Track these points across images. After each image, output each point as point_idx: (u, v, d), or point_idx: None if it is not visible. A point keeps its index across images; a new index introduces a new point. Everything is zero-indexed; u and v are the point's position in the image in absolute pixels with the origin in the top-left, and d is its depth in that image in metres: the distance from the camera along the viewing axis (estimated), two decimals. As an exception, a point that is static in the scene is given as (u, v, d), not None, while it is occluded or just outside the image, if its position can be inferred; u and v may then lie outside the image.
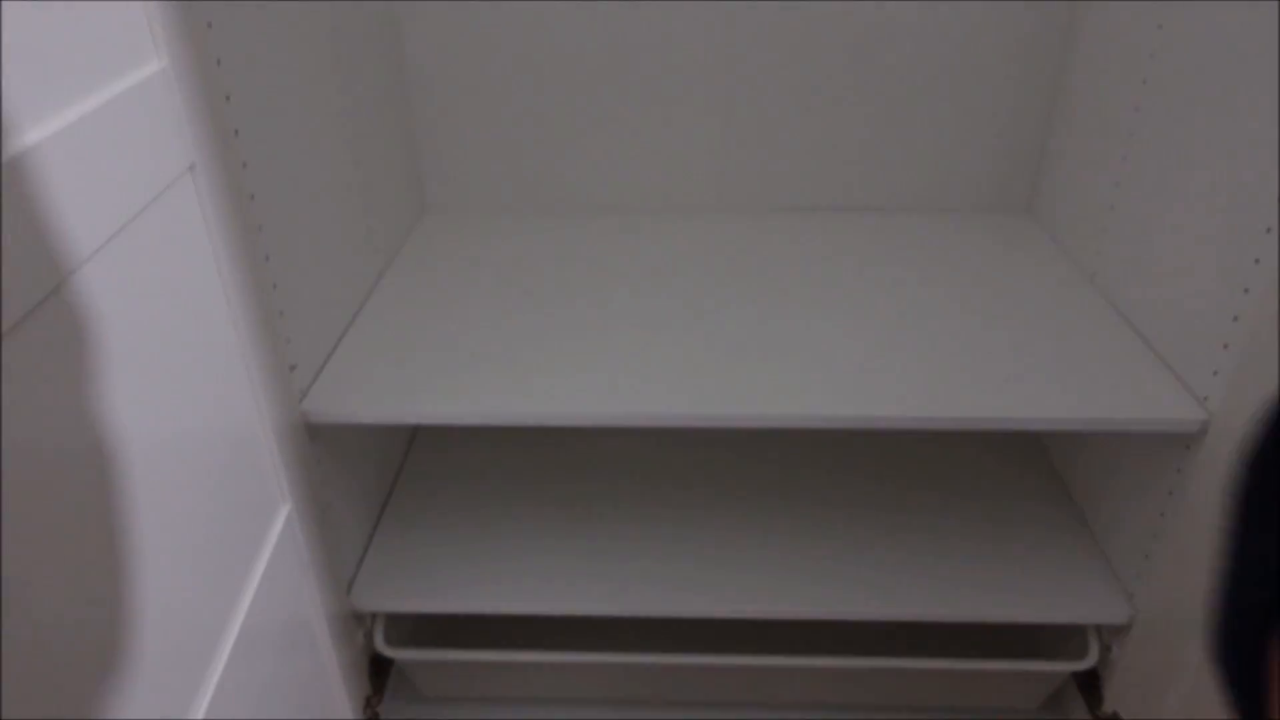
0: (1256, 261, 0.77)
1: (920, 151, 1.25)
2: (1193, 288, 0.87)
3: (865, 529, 1.09)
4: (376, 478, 1.13)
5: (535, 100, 1.22)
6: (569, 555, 1.06)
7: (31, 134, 0.48)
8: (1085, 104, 1.11)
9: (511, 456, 1.23)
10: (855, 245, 1.18)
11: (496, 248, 1.19)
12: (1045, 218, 1.23)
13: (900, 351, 0.94)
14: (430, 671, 1.09)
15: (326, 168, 0.94)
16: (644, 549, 1.06)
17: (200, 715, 0.64)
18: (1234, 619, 0.38)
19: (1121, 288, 1.01)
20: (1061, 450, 1.18)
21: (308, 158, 0.89)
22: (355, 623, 1.02)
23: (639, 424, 0.86)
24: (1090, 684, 1.05)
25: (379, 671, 1.09)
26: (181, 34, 0.63)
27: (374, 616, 1.05)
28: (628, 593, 1.01)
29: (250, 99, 0.75)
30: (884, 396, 0.87)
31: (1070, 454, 1.15)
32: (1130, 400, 0.86)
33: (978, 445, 1.24)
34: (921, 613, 0.98)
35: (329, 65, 0.94)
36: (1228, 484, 0.38)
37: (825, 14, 1.15)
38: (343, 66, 0.98)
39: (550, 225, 1.25)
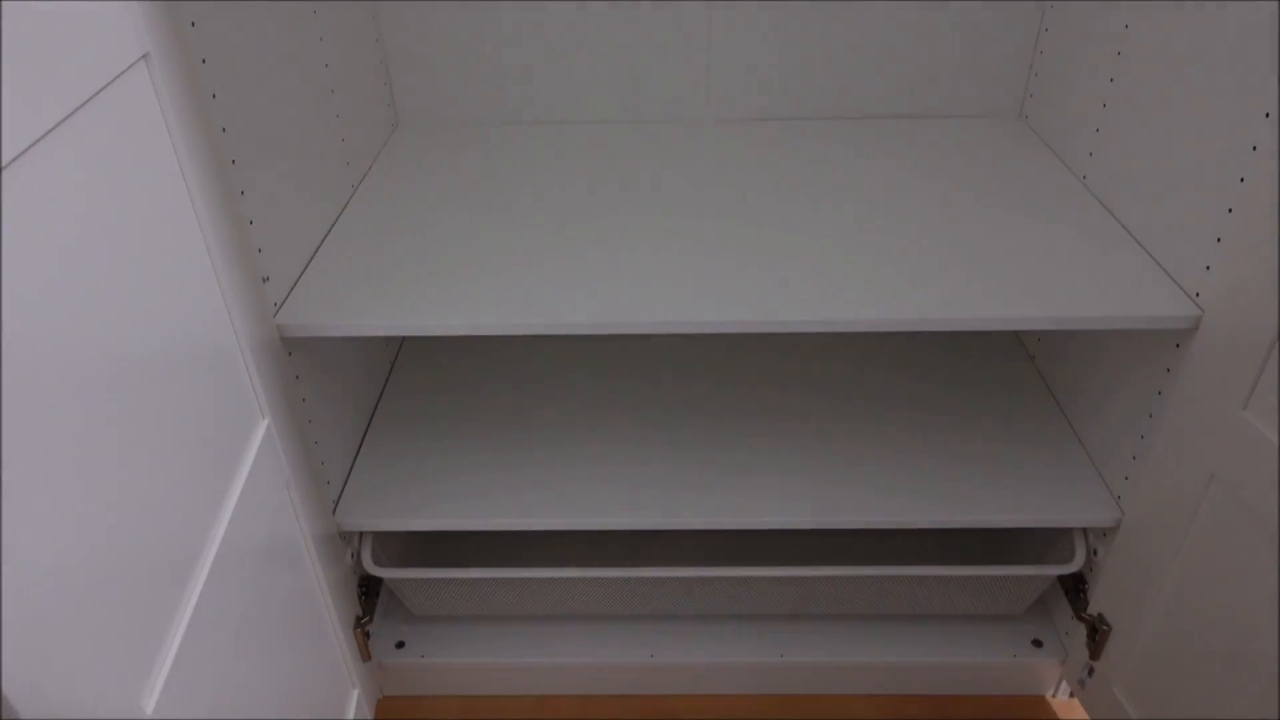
0: (1254, 149, 0.75)
1: (913, 58, 1.21)
2: (1185, 180, 0.85)
3: (853, 439, 1.08)
4: (359, 396, 1.11)
5: (505, 12, 1.18)
6: (556, 470, 1.05)
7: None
8: (1077, 6, 1.07)
9: (497, 372, 1.21)
10: (845, 152, 1.15)
11: (470, 160, 1.15)
12: (1038, 122, 1.20)
13: (891, 255, 0.92)
14: (419, 590, 1.09)
15: (294, 78, 0.90)
16: (628, 462, 1.06)
17: (184, 625, 0.63)
18: None
19: (1113, 188, 0.99)
20: (1047, 355, 1.18)
21: (273, 65, 0.85)
22: (342, 542, 1.01)
23: (619, 330, 0.84)
24: (1076, 588, 1.06)
25: (369, 592, 1.08)
26: (127, -90, 0.59)
27: (360, 536, 1.04)
28: (614, 506, 1.00)
29: (207, -10, 0.71)
30: (873, 298, 0.85)
31: (1056, 358, 1.15)
32: (1121, 298, 0.84)
33: (962, 351, 1.24)
34: (911, 520, 0.98)
35: (291, -36, 0.90)
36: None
37: (811, -90, 1.10)
38: (306, -34, 0.93)
39: (523, 137, 1.22)
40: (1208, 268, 0.81)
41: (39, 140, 0.50)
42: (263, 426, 0.80)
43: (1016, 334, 1.28)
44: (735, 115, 1.26)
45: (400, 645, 1.13)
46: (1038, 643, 1.12)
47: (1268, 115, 0.73)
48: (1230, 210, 0.78)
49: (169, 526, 0.63)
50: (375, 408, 1.16)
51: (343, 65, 1.05)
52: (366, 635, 1.05)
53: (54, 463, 0.50)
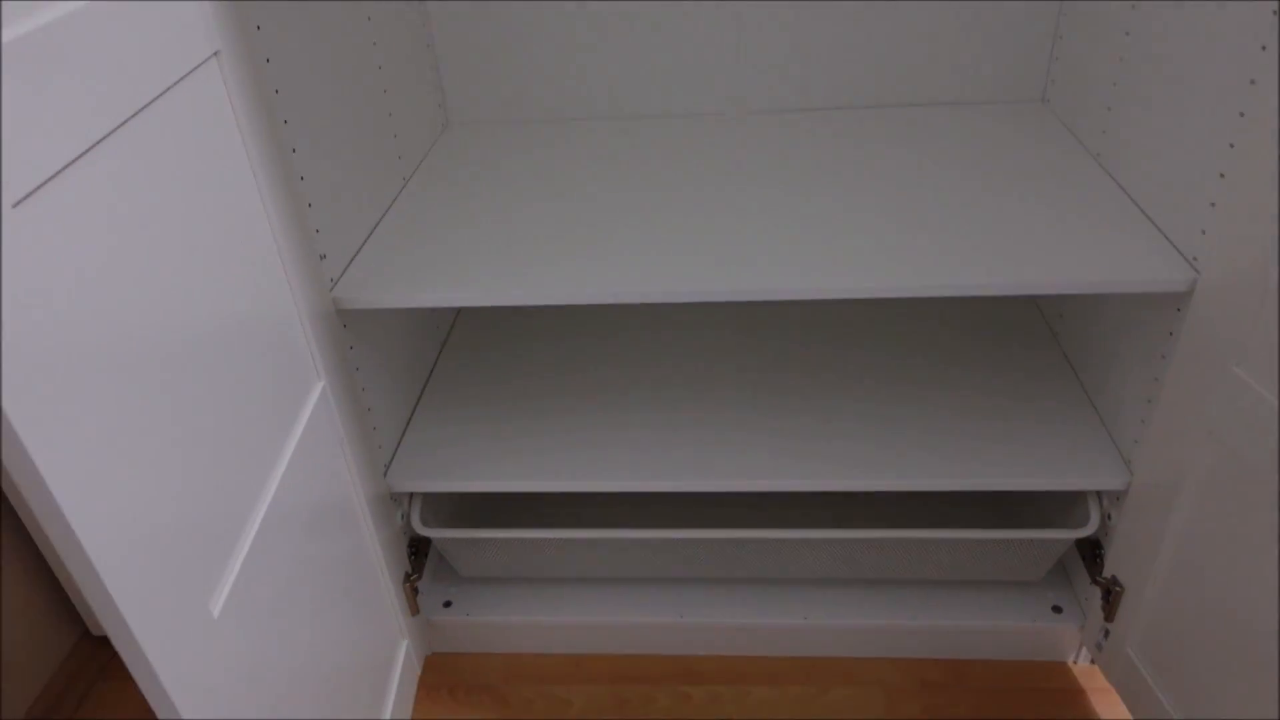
0: (1241, 115, 0.78)
1: (937, 47, 1.26)
2: (1182, 149, 0.88)
3: (877, 405, 1.13)
4: (412, 368, 1.20)
5: (552, 12, 1.26)
6: (596, 435, 1.12)
7: (61, 8, 0.53)
8: (1093, -14, 1.11)
9: (546, 344, 1.30)
10: (871, 139, 1.20)
11: (516, 155, 1.24)
12: (1059, 106, 1.23)
13: (912, 227, 0.97)
14: (465, 551, 1.17)
15: (349, 78, 0.99)
16: (661, 428, 1.12)
17: (236, 570, 0.71)
18: None
19: (1122, 162, 1.02)
20: (1064, 324, 1.21)
21: (330, 65, 0.94)
22: (393, 504, 1.10)
23: (658, 299, 0.90)
24: (1093, 553, 1.09)
25: (418, 552, 1.17)
26: (200, -73, 0.68)
27: (410, 497, 1.13)
28: (649, 470, 1.07)
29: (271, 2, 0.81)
30: (894, 267, 0.90)
31: (1072, 327, 1.18)
32: (1122, 264, 0.88)
33: (982, 322, 1.29)
34: (930, 483, 1.02)
35: (345, -27, 0.99)
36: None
37: (830, -93, 1.16)
38: (359, -25, 1.02)
39: (568, 133, 1.30)
40: (1203, 232, 0.84)
41: (127, 121, 0.59)
42: (318, 388, 0.89)
43: (1036, 305, 1.32)
44: (766, 107, 1.32)
45: (448, 604, 1.21)
46: (1057, 609, 1.14)
47: (1253, 82, 0.77)
48: (1222, 175, 0.81)
49: (233, 472, 0.72)
50: (428, 380, 1.25)
51: (395, 67, 1.14)
52: (415, 590, 1.13)
53: (137, 413, 0.59)
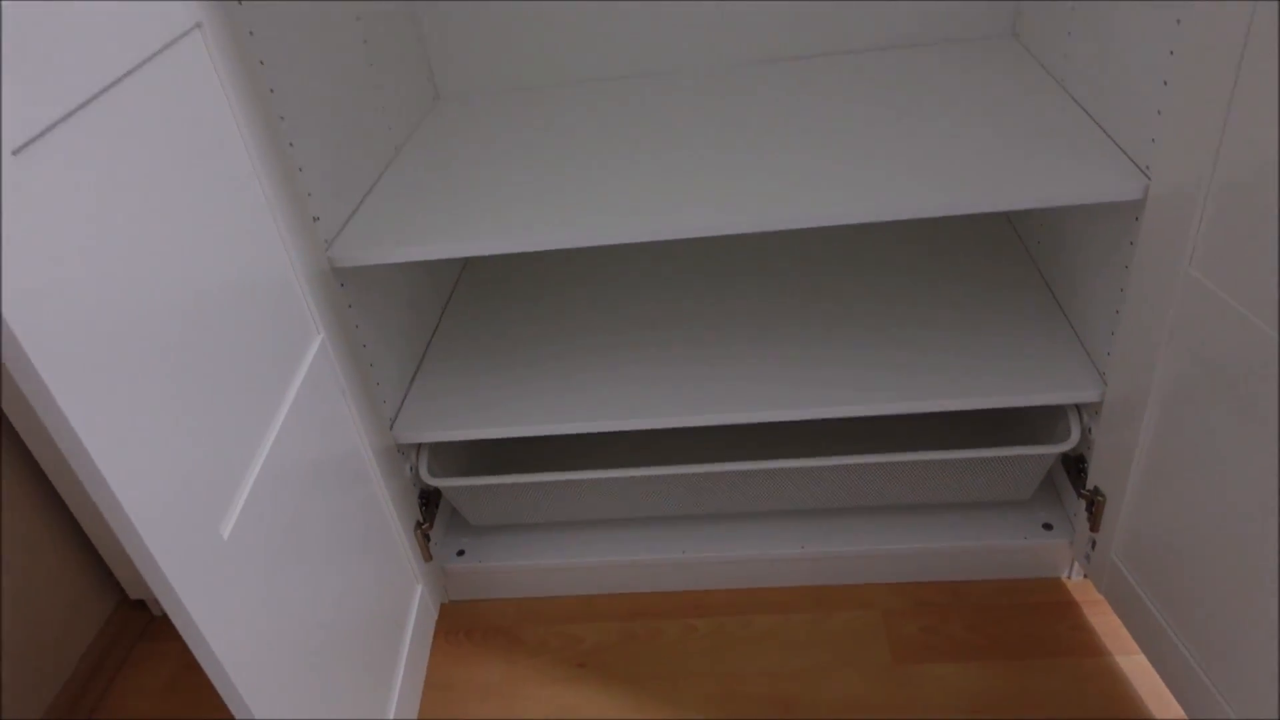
0: (1178, 22, 0.81)
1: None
2: (1128, 61, 0.91)
3: (859, 329, 1.17)
4: (414, 327, 1.25)
5: (526, -22, 1.30)
6: (595, 377, 1.17)
7: (53, -26, 0.59)
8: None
9: (548, 296, 1.36)
10: (849, 81, 1.24)
11: (509, 120, 1.28)
12: (1028, 39, 1.26)
13: (887, 156, 1.00)
14: (474, 500, 1.22)
15: (335, 49, 1.04)
16: (649, 365, 1.17)
17: (244, 498, 0.77)
18: None
19: (1082, 83, 1.05)
20: (1038, 242, 1.25)
21: (314, 37, 0.99)
22: (401, 456, 1.16)
23: (655, 237, 0.95)
24: (1078, 468, 1.12)
25: (429, 503, 1.23)
26: (175, -95, 0.74)
27: (418, 449, 1.19)
28: (641, 408, 1.11)
29: (247, -29, 0.86)
30: (869, 193, 0.94)
31: (1046, 245, 1.22)
32: (1081, 177, 0.91)
33: (960, 244, 1.34)
34: (914, 405, 1.06)
35: (323, -50, 1.04)
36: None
37: None
38: (337, -48, 1.07)
39: (560, 97, 1.34)
40: (1153, 140, 0.87)
41: (114, 85, 0.64)
42: (317, 341, 0.94)
43: (1012, 225, 1.36)
44: (746, 59, 1.36)
45: (461, 553, 1.27)
46: (1048, 526, 1.18)
47: (1188, -12, 0.79)
48: (1166, 83, 0.84)
49: (237, 413, 0.77)
50: (432, 337, 1.30)
51: (380, 40, 1.19)
52: (427, 537, 1.19)
53: (147, 359, 0.65)
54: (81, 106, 0.60)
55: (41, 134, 0.57)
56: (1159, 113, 0.85)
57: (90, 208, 0.61)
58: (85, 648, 1.24)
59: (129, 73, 0.66)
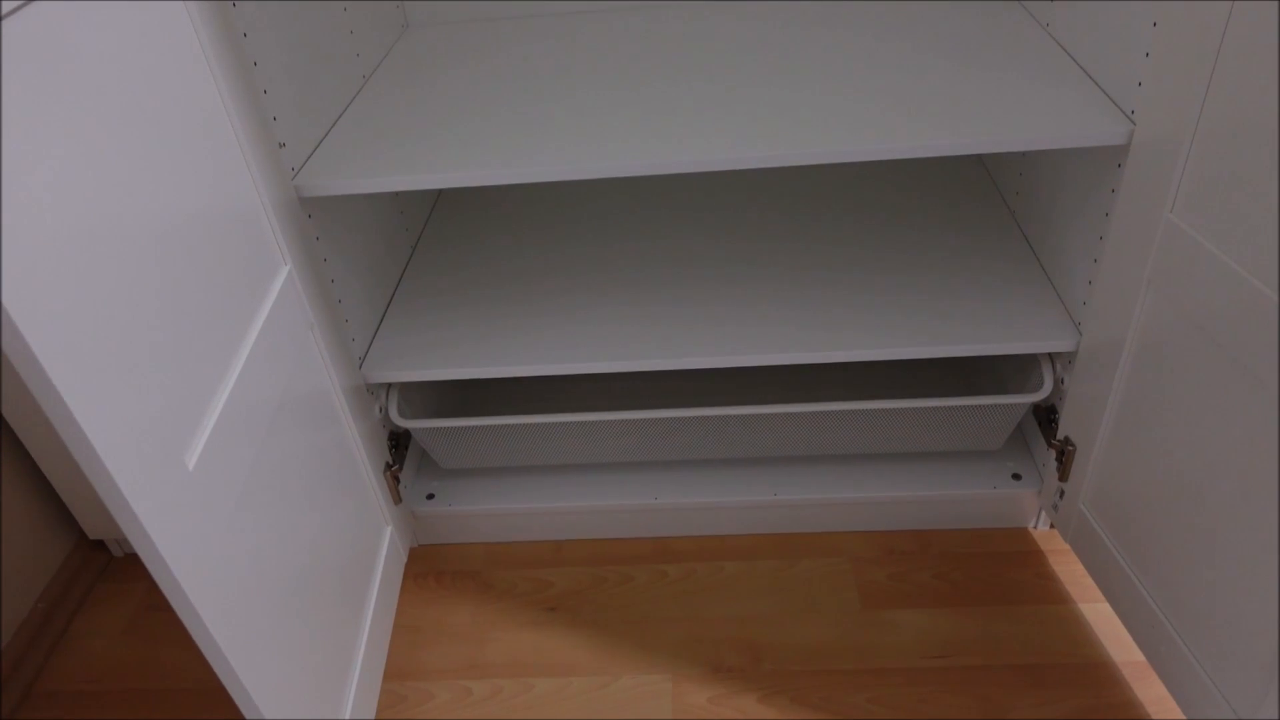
0: (1172, -40, 0.79)
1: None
2: (1116, 4, 0.90)
3: (835, 276, 1.16)
4: (385, 262, 1.22)
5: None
6: (564, 319, 1.15)
7: None
8: None
9: (520, 234, 1.33)
10: (834, 25, 1.21)
11: (481, 50, 1.24)
12: (1014, -14, 1.24)
13: (869, 98, 0.98)
14: (444, 442, 1.20)
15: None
16: (628, 311, 1.15)
17: (210, 429, 0.74)
18: None
19: (1069, 29, 1.04)
20: (1015, 190, 1.25)
21: (278, -50, 0.95)
22: (370, 396, 1.13)
23: (625, 173, 0.92)
24: (1049, 419, 1.13)
25: (399, 445, 1.21)
26: None
27: (388, 390, 1.16)
28: (611, 350, 1.10)
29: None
30: (849, 134, 0.92)
31: (1023, 192, 1.21)
32: (1065, 121, 0.90)
33: (935, 191, 1.33)
34: (890, 352, 1.05)
35: None
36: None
37: None
38: None
39: (529, 28, 1.30)
40: (1139, 84, 0.86)
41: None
42: (284, 271, 0.91)
43: (988, 171, 1.36)
44: (725, -2, 1.33)
45: (430, 497, 1.25)
46: (1016, 476, 1.19)
47: (1183, -74, 0.78)
48: (1155, 24, 0.83)
49: (203, 341, 0.74)
50: (402, 275, 1.27)
51: (348, -37, 1.14)
52: (396, 480, 1.17)
53: (109, 284, 0.61)
54: (15, 11, 0.57)
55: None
56: (1147, 55, 0.84)
57: (45, 130, 0.57)
58: (42, 588, 1.21)
59: (82, -28, 0.62)
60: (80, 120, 0.61)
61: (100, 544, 1.31)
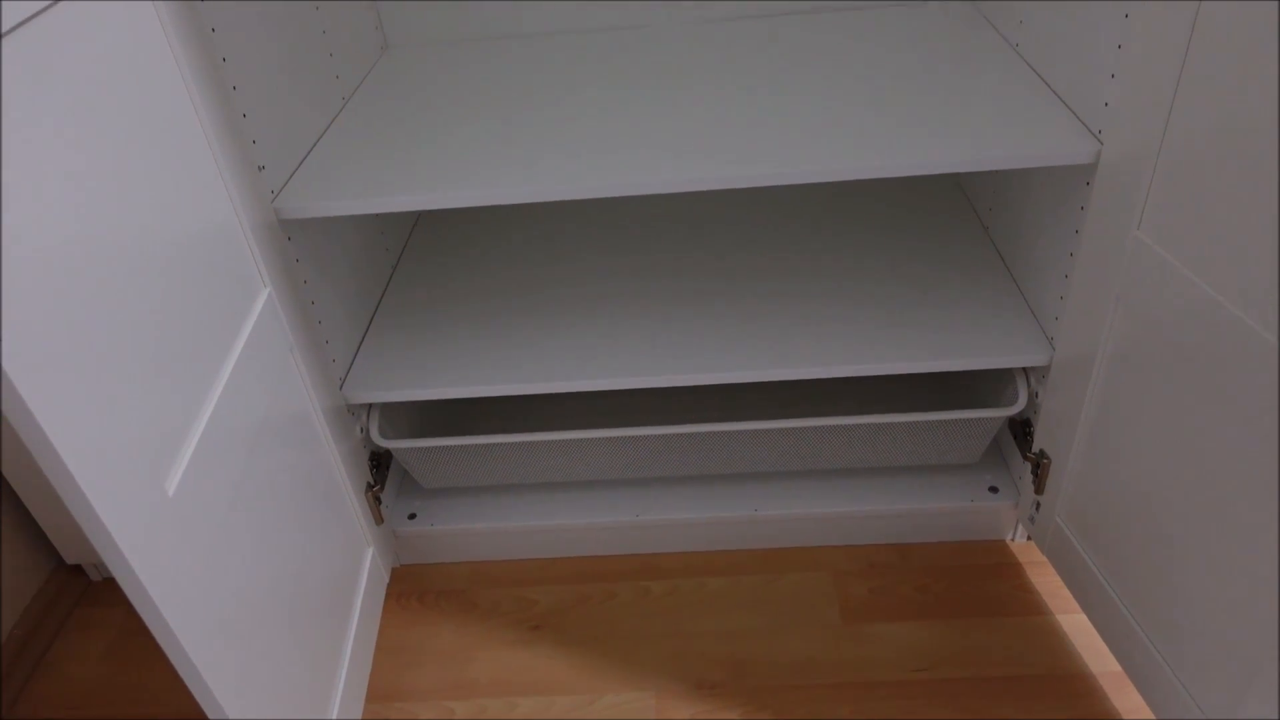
0: (1134, -15, 0.81)
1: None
2: (1083, 25, 0.92)
3: (813, 292, 1.17)
4: (365, 283, 1.22)
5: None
6: (543, 340, 1.15)
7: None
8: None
9: (500, 256, 1.34)
10: (804, 40, 1.23)
11: (460, 71, 1.25)
12: (984, 4, 1.26)
13: (838, 117, 1.00)
14: (426, 462, 1.20)
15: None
16: (599, 331, 1.16)
17: (190, 453, 0.74)
18: None
19: (1037, 48, 1.06)
20: (989, 207, 1.27)
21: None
22: (351, 416, 1.13)
23: (602, 194, 0.93)
24: (1024, 432, 1.15)
25: (380, 465, 1.21)
26: None
27: (369, 410, 1.16)
28: (589, 369, 1.10)
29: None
30: (822, 153, 0.93)
31: (997, 210, 1.23)
32: (1033, 140, 0.92)
33: (910, 209, 1.36)
34: (866, 368, 1.07)
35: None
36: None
37: None
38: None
39: (509, 50, 1.31)
40: (1106, 104, 0.88)
41: (37, 16, 0.60)
42: (264, 294, 0.91)
43: (962, 189, 1.38)
44: (701, 16, 1.34)
45: (413, 517, 1.25)
46: (994, 489, 1.20)
47: (1144, -48, 0.80)
48: (1120, 46, 0.85)
49: (182, 366, 0.74)
50: (382, 296, 1.28)
51: (327, -14, 1.15)
52: (378, 500, 1.17)
53: (86, 318, 0.62)
54: (4, 35, 0.57)
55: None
56: (1113, 76, 0.86)
57: (23, 152, 0.57)
58: (20, 614, 1.20)
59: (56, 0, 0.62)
60: (56, 144, 0.61)
61: (78, 568, 1.29)
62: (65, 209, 0.61)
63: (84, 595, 1.29)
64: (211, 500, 0.76)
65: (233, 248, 0.86)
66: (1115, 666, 1.08)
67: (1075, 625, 1.13)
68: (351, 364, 1.15)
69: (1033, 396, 1.11)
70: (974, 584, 1.18)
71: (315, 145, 1.07)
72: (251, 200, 0.91)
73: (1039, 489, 1.10)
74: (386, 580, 1.24)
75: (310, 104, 1.08)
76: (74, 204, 0.62)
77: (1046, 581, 1.18)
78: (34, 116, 0.59)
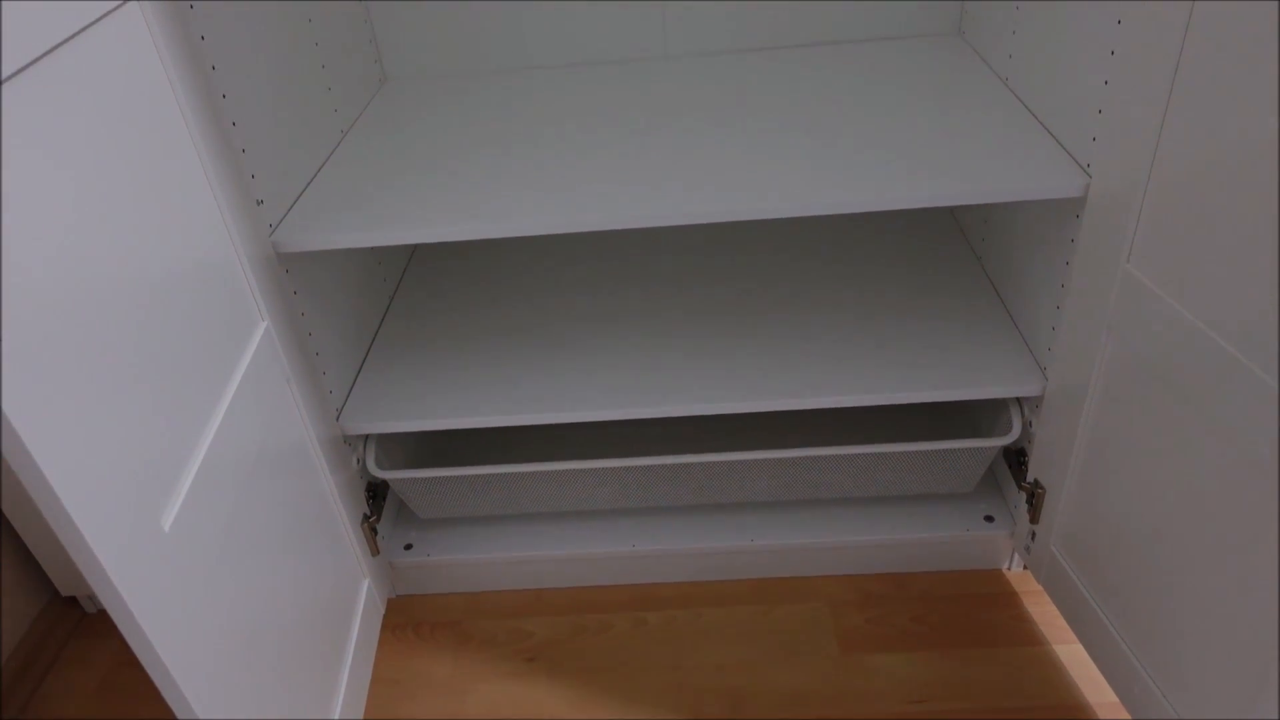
0: (1119, 22, 0.83)
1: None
2: (1071, 60, 0.94)
3: (798, 323, 1.18)
4: (362, 316, 1.23)
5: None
6: (537, 372, 1.16)
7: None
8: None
9: (496, 288, 1.34)
10: (795, 74, 1.24)
11: (457, 105, 1.26)
12: (974, 37, 1.28)
13: (830, 151, 1.01)
14: (422, 493, 1.21)
15: (278, 27, 1.02)
16: (602, 361, 1.16)
17: (186, 488, 0.74)
18: None
19: (1026, 82, 1.07)
20: (982, 239, 1.28)
21: (258, 13, 0.97)
22: (347, 447, 1.14)
23: (600, 227, 0.94)
24: (1019, 461, 1.15)
25: (377, 495, 1.21)
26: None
27: (365, 441, 1.16)
28: (583, 401, 1.11)
29: (189, -55, 0.83)
30: (815, 188, 0.94)
31: (990, 241, 1.25)
32: (1023, 174, 0.93)
33: (905, 241, 1.37)
34: (861, 399, 1.07)
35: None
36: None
37: None
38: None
39: (509, 83, 1.33)
40: (1094, 139, 0.89)
41: (40, 59, 0.61)
42: (262, 327, 0.92)
43: (956, 220, 1.40)
44: (693, 50, 1.36)
45: (409, 547, 1.25)
46: (989, 518, 1.20)
47: (1129, -9, 0.81)
48: (1106, 82, 0.86)
49: (179, 400, 0.75)
50: (378, 329, 1.28)
51: (327, 20, 1.16)
52: (374, 531, 1.17)
53: (82, 353, 0.62)
54: (9, 79, 0.58)
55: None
56: (1100, 112, 0.88)
57: (21, 187, 0.58)
58: (14, 646, 1.19)
59: (61, 44, 0.63)
60: (55, 180, 0.62)
61: (73, 600, 1.29)
62: (64, 245, 0.62)
63: (79, 627, 1.28)
64: (206, 533, 0.76)
65: (230, 282, 0.87)
66: (1112, 697, 1.07)
67: (1072, 656, 1.12)
68: (348, 395, 1.15)
69: (1026, 426, 1.11)
70: (971, 614, 1.18)
71: (314, 179, 1.08)
72: (250, 234, 0.91)
73: (1034, 518, 1.11)
74: (382, 611, 1.24)
75: (309, 138, 1.09)
76: (72, 240, 0.63)
77: (1043, 611, 1.18)
78: (32, 154, 0.60)
